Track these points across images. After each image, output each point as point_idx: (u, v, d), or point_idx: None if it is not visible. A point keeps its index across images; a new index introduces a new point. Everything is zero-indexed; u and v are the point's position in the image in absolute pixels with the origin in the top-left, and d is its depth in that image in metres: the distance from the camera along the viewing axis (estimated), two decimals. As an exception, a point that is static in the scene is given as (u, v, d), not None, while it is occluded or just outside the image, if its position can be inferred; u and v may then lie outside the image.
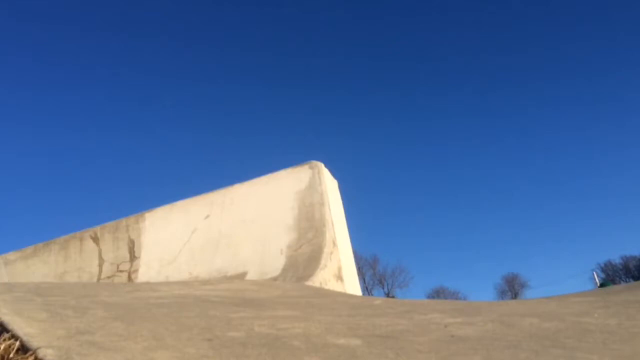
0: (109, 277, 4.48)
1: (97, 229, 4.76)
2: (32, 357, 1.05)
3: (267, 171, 4.28)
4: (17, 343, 1.13)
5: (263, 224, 4.03)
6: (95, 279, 4.51)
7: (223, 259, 4.04)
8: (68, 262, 4.76)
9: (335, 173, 4.33)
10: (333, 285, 3.58)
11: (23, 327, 1.24)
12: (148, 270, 4.34)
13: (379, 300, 2.70)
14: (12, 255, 5.09)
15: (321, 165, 4.09)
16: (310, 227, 3.80)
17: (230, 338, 1.30)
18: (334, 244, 3.72)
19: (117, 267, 4.52)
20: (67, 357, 1.02)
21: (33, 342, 1.11)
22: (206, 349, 1.18)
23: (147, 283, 3.66)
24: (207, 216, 4.30)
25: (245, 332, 1.38)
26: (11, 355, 1.10)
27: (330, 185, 4.07)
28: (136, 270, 4.38)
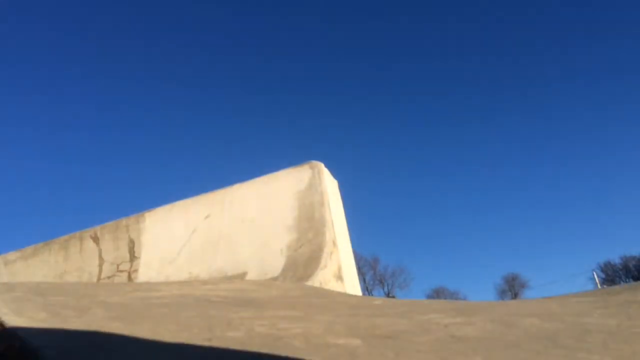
0: (109, 277, 4.48)
1: (97, 229, 4.76)
2: (32, 357, 1.05)
3: (267, 171, 4.28)
4: (17, 343, 1.13)
5: (263, 224, 4.03)
6: (95, 279, 4.51)
7: (223, 259, 4.04)
8: (68, 262, 4.75)
9: (335, 173, 4.33)
10: (333, 285, 3.58)
11: (23, 327, 1.24)
12: (148, 270, 4.34)
13: (379, 300, 2.70)
14: (12, 255, 5.09)
15: (321, 165, 4.09)
16: (310, 227, 3.80)
17: (230, 338, 1.30)
18: (334, 244, 3.71)
19: (117, 267, 4.51)
20: (67, 357, 1.02)
21: (33, 342, 1.11)
22: (206, 348, 1.18)
23: (147, 283, 3.66)
24: (207, 216, 4.30)
25: (245, 332, 1.38)
26: (11, 355, 1.10)
27: (330, 185, 4.07)
28: (136, 270, 4.38)
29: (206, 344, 1.22)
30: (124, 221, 4.68)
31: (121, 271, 4.47)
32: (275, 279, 3.62)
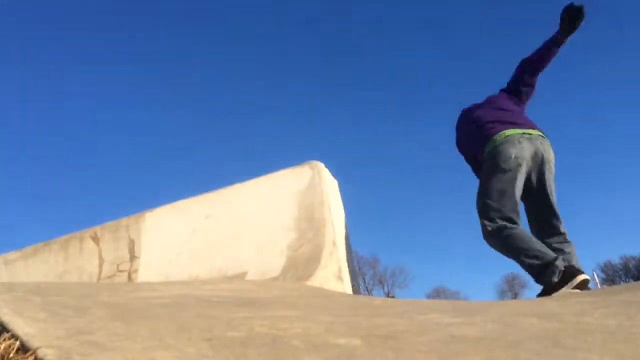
0: (109, 277, 4.48)
1: (97, 228, 4.76)
2: (32, 357, 1.05)
3: (267, 171, 4.28)
4: (17, 343, 1.13)
5: (263, 224, 4.03)
6: (95, 279, 4.51)
7: (223, 259, 4.04)
8: (68, 262, 4.75)
9: (335, 173, 4.33)
10: (333, 285, 3.58)
11: (23, 327, 1.23)
12: (148, 270, 4.34)
13: (379, 300, 2.70)
14: (12, 255, 5.08)
15: (321, 165, 4.09)
16: (310, 227, 3.80)
17: (230, 338, 1.30)
18: (334, 243, 3.72)
19: (117, 267, 4.51)
20: (67, 357, 1.02)
21: (33, 342, 1.11)
22: (206, 348, 1.18)
23: (147, 283, 3.66)
24: (207, 216, 4.30)
25: (245, 332, 1.38)
26: (11, 355, 1.10)
27: (330, 185, 4.07)
28: (136, 270, 4.38)
29: (206, 343, 1.22)
30: (124, 221, 4.68)
31: (121, 271, 4.47)
32: (275, 279, 3.62)
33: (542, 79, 3.63)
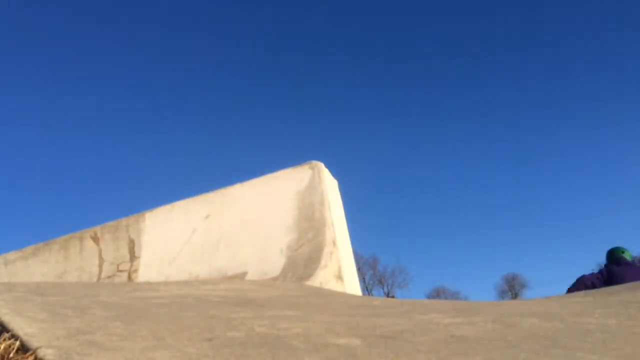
0: (109, 277, 4.48)
1: (97, 228, 4.76)
2: (32, 357, 1.05)
3: (267, 171, 4.29)
4: (17, 343, 1.13)
5: (263, 224, 4.03)
6: (95, 279, 4.51)
7: (223, 259, 4.04)
8: (68, 262, 4.75)
9: (335, 173, 4.33)
10: (333, 285, 3.59)
11: (23, 327, 1.24)
12: (148, 270, 4.34)
13: (378, 300, 2.70)
14: (12, 255, 5.08)
15: (321, 165, 4.09)
16: (310, 227, 3.80)
17: (230, 338, 1.30)
18: (334, 243, 3.72)
19: (117, 267, 4.51)
20: (67, 357, 1.02)
21: (33, 342, 1.11)
22: (206, 348, 1.18)
23: (147, 283, 3.66)
24: (207, 216, 4.30)
25: (245, 332, 1.38)
26: (11, 355, 1.10)
27: (330, 185, 4.07)
28: (136, 270, 4.38)
29: (206, 343, 1.22)
30: (124, 221, 4.68)
31: (121, 271, 4.47)
32: (275, 279, 3.62)
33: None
